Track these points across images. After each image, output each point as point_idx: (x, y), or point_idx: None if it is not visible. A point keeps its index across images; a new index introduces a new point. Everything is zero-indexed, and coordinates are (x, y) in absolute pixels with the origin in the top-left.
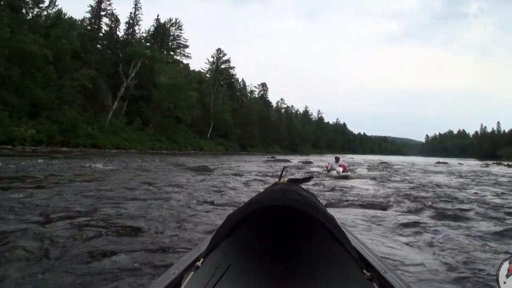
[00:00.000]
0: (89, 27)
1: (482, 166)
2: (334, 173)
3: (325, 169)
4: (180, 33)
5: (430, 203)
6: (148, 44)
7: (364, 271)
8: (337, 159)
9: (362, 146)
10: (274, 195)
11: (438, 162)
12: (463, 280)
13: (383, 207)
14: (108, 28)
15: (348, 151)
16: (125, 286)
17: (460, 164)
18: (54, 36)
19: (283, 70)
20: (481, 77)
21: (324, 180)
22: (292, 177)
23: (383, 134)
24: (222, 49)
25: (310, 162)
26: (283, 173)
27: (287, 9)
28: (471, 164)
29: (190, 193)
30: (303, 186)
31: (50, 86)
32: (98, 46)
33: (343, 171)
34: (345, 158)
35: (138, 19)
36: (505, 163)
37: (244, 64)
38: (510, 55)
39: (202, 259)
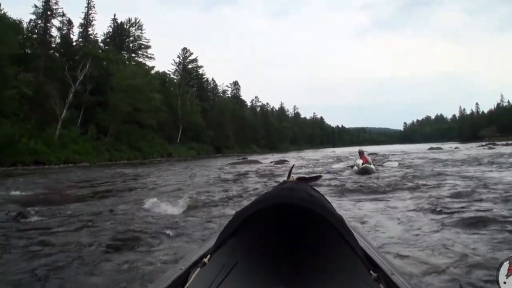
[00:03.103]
0: (35, 30)
1: (487, 148)
2: (355, 168)
3: (351, 166)
4: (141, 33)
5: None
6: (103, 45)
7: (371, 272)
8: (361, 153)
9: (341, 139)
10: (283, 193)
11: (432, 148)
12: None
13: None
14: (58, 30)
15: (328, 144)
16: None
17: (456, 148)
18: None
19: (257, 68)
20: (454, 61)
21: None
22: (301, 175)
23: (361, 125)
24: (188, 48)
25: (285, 161)
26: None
27: (258, 9)
28: (468, 147)
29: None
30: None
31: None
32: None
33: (363, 163)
34: (327, 153)
35: (91, 18)
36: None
37: (217, 65)
38: (480, 37)
39: (209, 256)
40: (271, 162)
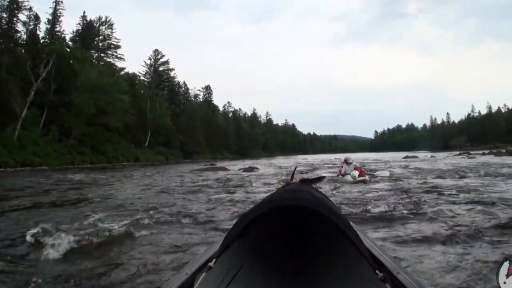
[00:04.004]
0: None
1: (466, 157)
2: (348, 178)
3: (338, 173)
4: (112, 32)
5: None
6: (72, 43)
7: (377, 271)
8: (347, 161)
9: (313, 146)
10: (287, 195)
11: (407, 157)
12: None
13: None
14: (24, 25)
15: (299, 151)
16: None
17: (432, 157)
18: None
19: (230, 74)
20: (426, 72)
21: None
22: (304, 177)
23: (332, 133)
24: (160, 50)
25: (254, 169)
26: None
27: (233, 15)
28: (444, 156)
29: None
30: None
31: None
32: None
33: (359, 175)
34: (299, 160)
35: (59, 14)
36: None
37: (190, 69)
38: (451, 50)
39: (214, 260)
40: (239, 169)
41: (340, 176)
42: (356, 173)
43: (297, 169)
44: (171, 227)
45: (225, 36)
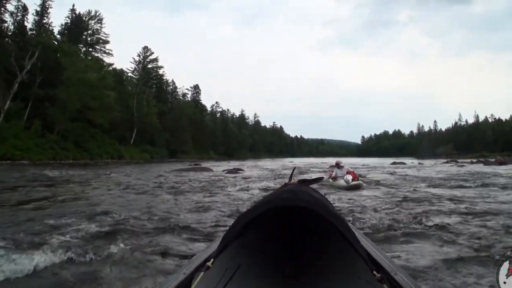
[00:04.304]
0: None
1: (456, 165)
2: (342, 182)
3: (329, 177)
4: (101, 27)
5: None
6: (60, 36)
7: (374, 272)
8: (339, 165)
9: (300, 149)
10: (285, 195)
11: (395, 163)
12: None
13: None
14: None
15: (286, 154)
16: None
17: (420, 164)
18: None
19: (219, 75)
20: (414, 80)
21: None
22: (302, 178)
23: (319, 137)
24: (149, 48)
25: (239, 171)
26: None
27: (225, 16)
28: (432, 163)
29: None
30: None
31: None
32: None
33: (353, 179)
34: (285, 163)
35: (47, 6)
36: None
37: (179, 68)
38: (439, 59)
39: (212, 260)
40: (223, 171)
41: (330, 180)
42: (350, 177)
43: (283, 171)
44: (132, 236)
45: (215, 37)
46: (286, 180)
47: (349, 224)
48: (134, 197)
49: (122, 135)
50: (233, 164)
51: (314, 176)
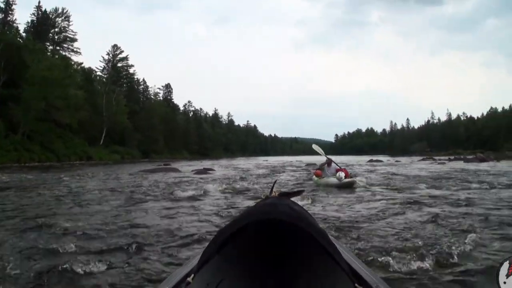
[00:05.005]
0: None
1: (436, 163)
2: (333, 180)
3: (315, 175)
4: (68, 24)
5: None
6: (24, 34)
7: (356, 285)
8: (329, 163)
9: (274, 148)
10: (266, 209)
11: (372, 160)
12: None
13: None
14: None
15: (261, 153)
16: None
17: (397, 161)
18: None
19: (192, 74)
20: (387, 78)
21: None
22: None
23: (293, 135)
24: (119, 46)
25: (209, 171)
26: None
27: (196, 16)
28: (408, 161)
29: None
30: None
31: None
32: None
33: (345, 177)
34: (259, 161)
35: (11, 2)
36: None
37: (151, 67)
38: (412, 58)
39: (192, 275)
40: (192, 171)
41: (315, 177)
42: (342, 174)
43: (257, 171)
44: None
45: (188, 36)
46: (261, 185)
47: (331, 237)
48: (68, 206)
49: (92, 135)
50: (206, 163)
51: (293, 187)
